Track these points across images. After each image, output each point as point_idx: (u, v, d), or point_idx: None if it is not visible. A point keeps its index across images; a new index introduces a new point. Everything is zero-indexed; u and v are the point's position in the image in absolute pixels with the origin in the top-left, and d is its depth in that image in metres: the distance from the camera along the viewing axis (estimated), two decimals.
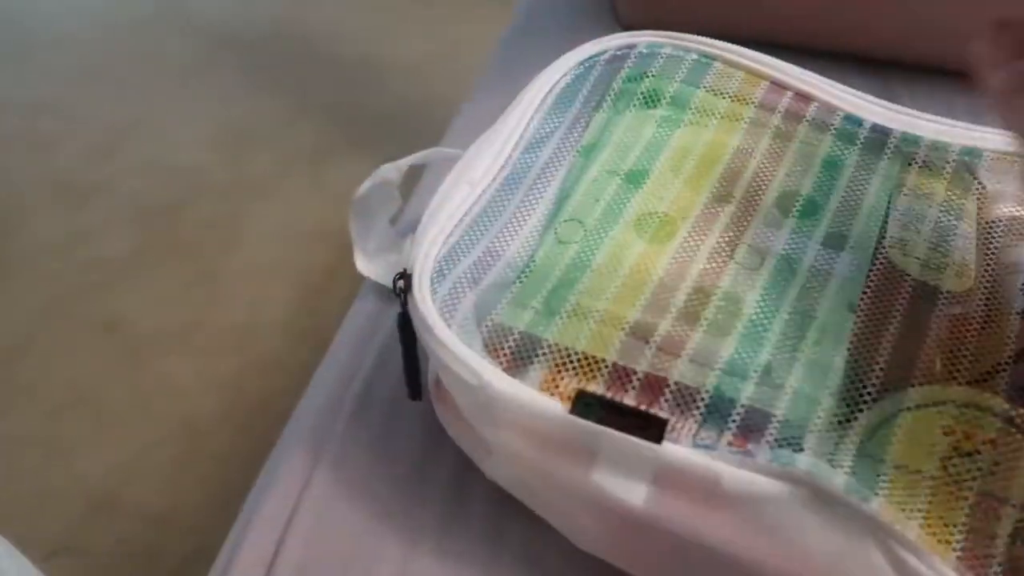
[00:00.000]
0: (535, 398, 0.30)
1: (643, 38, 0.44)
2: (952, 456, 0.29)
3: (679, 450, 0.28)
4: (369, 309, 0.45)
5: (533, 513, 0.34)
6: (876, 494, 0.28)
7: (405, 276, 0.34)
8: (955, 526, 0.27)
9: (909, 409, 0.30)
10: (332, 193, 1.44)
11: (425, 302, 0.33)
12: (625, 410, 0.29)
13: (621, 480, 0.29)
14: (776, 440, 0.30)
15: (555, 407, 0.30)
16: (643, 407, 0.30)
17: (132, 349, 1.23)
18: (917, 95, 0.56)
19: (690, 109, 0.42)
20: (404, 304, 0.34)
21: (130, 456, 1.12)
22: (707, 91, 0.43)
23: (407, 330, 0.34)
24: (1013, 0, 0.48)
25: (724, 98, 0.42)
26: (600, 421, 0.29)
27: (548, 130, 0.41)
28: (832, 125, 0.41)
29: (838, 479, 0.27)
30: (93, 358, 1.22)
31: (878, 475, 0.28)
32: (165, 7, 1.79)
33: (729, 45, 0.44)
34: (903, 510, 0.28)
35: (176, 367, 1.22)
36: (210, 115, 1.55)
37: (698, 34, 0.59)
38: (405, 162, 0.44)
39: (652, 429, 0.28)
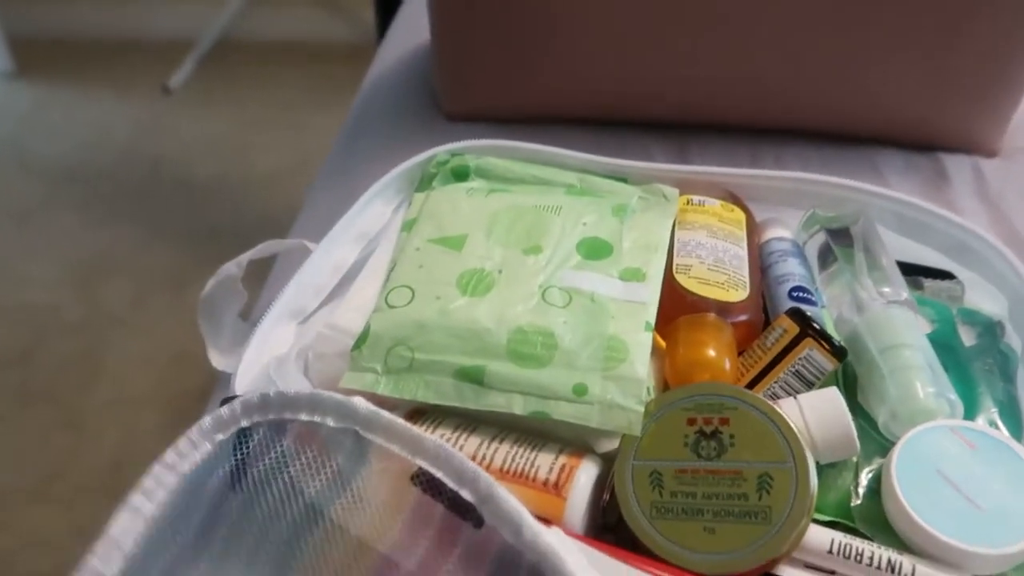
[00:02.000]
0: None
1: (441, 149, 0.51)
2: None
3: None
4: None
5: None
6: None
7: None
8: None
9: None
10: (194, 315, 1.44)
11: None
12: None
13: None
14: None
15: None
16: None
17: None
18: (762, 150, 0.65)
19: (494, 177, 0.49)
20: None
21: None
22: (507, 164, 0.50)
23: None
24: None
25: (519, 164, 0.50)
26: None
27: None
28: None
29: None
30: None
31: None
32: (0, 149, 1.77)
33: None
34: None
35: (42, 520, 1.16)
36: (57, 252, 1.53)
37: (514, 119, 0.67)
38: (245, 257, 0.48)
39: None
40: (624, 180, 0.49)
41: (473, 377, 0.38)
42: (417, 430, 0.33)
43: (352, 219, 0.46)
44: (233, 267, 0.48)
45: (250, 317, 0.52)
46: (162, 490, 0.33)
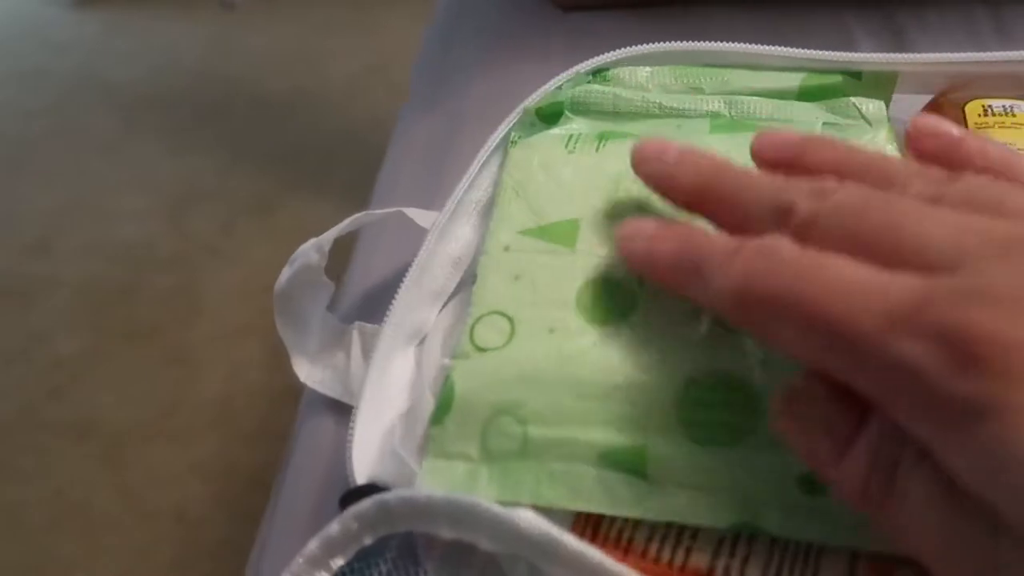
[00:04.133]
0: None
1: (579, 69, 0.33)
2: None
3: None
4: (323, 428, 0.34)
5: None
6: None
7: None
8: None
9: None
10: (286, 240, 1.33)
11: None
12: None
13: None
14: None
15: None
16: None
17: (111, 447, 1.12)
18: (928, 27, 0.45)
19: (598, 112, 0.31)
20: None
21: (129, 563, 1.01)
22: (615, 90, 0.32)
23: None
24: None
25: (633, 90, 0.31)
26: None
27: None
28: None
29: None
30: (73, 466, 1.11)
31: None
32: (75, 83, 1.65)
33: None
34: None
35: (160, 457, 1.11)
36: (143, 184, 1.43)
37: (640, 4, 0.49)
38: (327, 237, 0.33)
39: None
40: (853, 74, 0.30)
41: (629, 465, 0.22)
42: (626, 573, 0.19)
43: (466, 189, 0.30)
44: (312, 252, 0.32)
45: (340, 308, 0.38)
46: None
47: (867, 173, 0.20)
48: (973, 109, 0.28)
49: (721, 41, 0.32)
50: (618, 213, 0.27)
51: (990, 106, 0.28)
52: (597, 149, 0.29)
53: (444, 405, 0.25)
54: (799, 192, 0.19)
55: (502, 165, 0.31)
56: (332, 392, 0.33)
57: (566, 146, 0.30)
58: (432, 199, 0.37)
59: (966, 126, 0.28)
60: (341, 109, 1.53)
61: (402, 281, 0.29)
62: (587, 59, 0.32)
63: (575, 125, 0.31)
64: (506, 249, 0.27)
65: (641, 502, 0.22)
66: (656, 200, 0.27)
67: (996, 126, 0.27)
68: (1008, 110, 0.28)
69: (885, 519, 0.17)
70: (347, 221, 0.33)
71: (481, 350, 0.25)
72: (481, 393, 0.24)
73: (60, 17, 1.79)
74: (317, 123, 1.51)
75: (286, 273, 0.33)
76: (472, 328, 0.26)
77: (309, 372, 0.34)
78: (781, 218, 0.19)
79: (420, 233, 0.34)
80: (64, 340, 1.25)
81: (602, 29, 0.47)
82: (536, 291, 0.26)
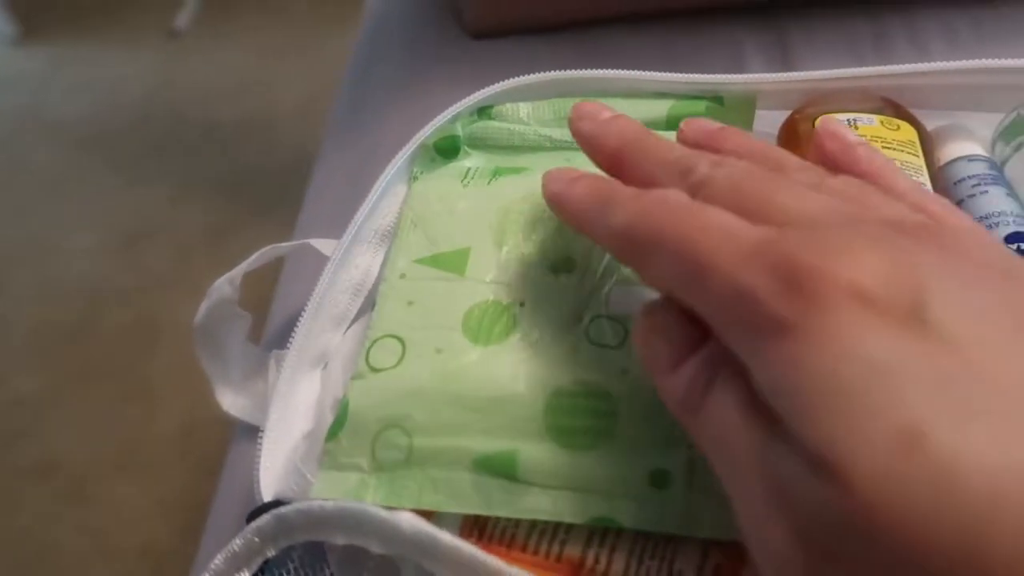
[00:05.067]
0: None
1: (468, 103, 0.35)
2: None
3: None
4: (250, 455, 0.36)
5: None
6: None
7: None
8: None
9: None
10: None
11: None
12: None
13: None
14: None
15: None
16: None
17: (74, 487, 1.12)
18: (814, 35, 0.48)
19: (494, 146, 0.34)
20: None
21: None
22: (509, 126, 0.34)
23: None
24: None
25: (526, 127, 0.34)
26: None
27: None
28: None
29: None
30: (35, 508, 1.11)
31: None
32: (19, 119, 1.65)
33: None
34: None
35: (125, 493, 1.11)
36: (94, 219, 1.43)
37: (554, 25, 0.51)
38: (238, 271, 0.35)
39: None
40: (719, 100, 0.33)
41: (501, 469, 0.25)
42: (497, 563, 0.21)
43: (365, 217, 0.32)
44: (225, 286, 0.35)
45: (263, 337, 0.40)
46: None
47: (765, 159, 0.23)
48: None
49: (625, 62, 0.34)
50: (505, 242, 0.29)
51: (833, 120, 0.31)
52: (489, 183, 0.32)
53: (339, 421, 0.27)
54: (701, 160, 0.22)
55: (405, 198, 0.33)
56: (253, 420, 0.35)
57: (462, 180, 0.32)
58: None
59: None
60: (292, 134, 1.54)
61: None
62: (495, 83, 0.34)
63: (472, 160, 0.34)
64: (402, 277, 0.30)
65: (512, 503, 0.24)
66: (536, 226, 0.29)
67: None
68: (852, 123, 0.31)
69: (693, 427, 0.20)
70: (256, 255, 0.35)
71: (375, 370, 0.27)
72: (373, 409, 0.27)
73: (3, 53, 1.79)
74: (269, 149, 1.52)
75: (203, 307, 0.35)
76: (368, 351, 0.28)
77: (232, 401, 0.36)
78: (681, 177, 0.22)
79: None
80: (22, 380, 1.25)
81: (511, 54, 0.50)
82: (427, 315, 0.28)
